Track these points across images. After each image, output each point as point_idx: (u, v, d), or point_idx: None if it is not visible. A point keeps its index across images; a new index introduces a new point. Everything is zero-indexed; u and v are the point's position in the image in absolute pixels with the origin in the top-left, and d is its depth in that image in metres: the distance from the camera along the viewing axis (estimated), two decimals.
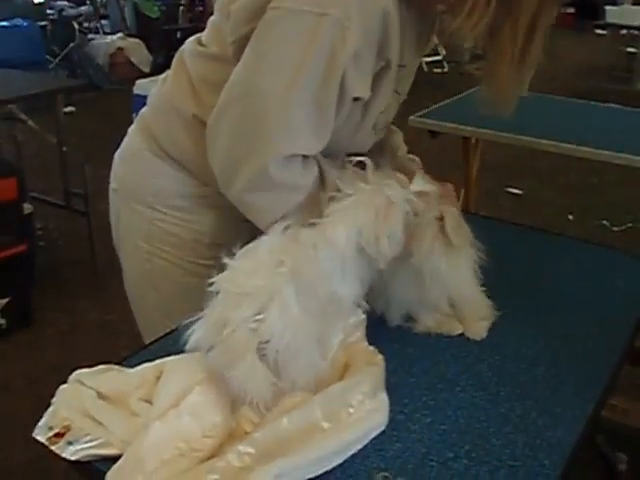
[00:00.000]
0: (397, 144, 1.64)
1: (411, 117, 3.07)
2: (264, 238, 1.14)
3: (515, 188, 5.26)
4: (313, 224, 1.16)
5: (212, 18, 1.40)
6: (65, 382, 1.15)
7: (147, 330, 1.55)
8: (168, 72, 1.49)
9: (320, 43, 1.14)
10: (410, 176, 1.40)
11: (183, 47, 1.46)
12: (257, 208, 1.26)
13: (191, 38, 1.45)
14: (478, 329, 1.37)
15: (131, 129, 1.53)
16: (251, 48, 1.21)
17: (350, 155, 1.43)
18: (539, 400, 1.20)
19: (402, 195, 1.20)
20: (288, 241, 1.12)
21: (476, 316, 1.38)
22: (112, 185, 1.55)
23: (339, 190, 1.19)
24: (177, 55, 1.46)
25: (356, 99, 1.25)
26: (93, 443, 1.03)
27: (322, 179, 1.29)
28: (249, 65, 1.20)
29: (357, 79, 1.20)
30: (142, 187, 1.47)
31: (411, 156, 1.64)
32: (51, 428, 1.07)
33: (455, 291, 1.34)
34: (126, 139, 1.54)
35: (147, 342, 1.47)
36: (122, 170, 1.53)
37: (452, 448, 1.08)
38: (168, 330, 1.33)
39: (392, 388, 1.16)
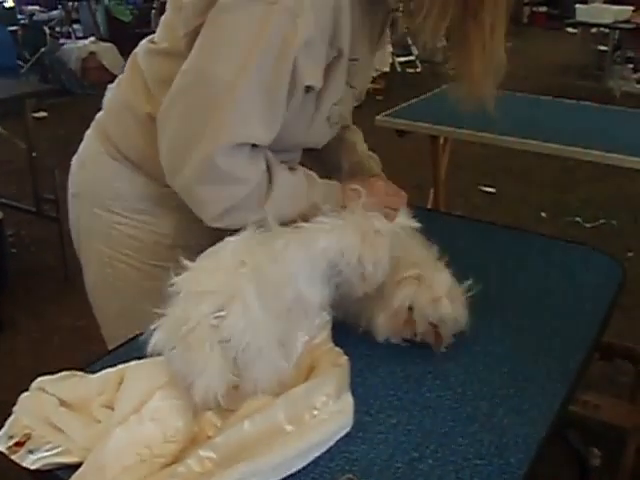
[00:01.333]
0: (355, 140, 1.64)
1: (378, 117, 3.05)
2: (229, 239, 1.13)
3: (488, 186, 5.28)
4: (293, 227, 1.17)
5: (164, 16, 1.39)
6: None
7: (110, 334, 1.55)
8: (122, 75, 1.48)
9: (271, 31, 1.14)
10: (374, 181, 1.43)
11: (136, 49, 1.45)
12: (201, 200, 1.24)
13: (144, 39, 1.44)
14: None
15: (87, 133, 1.52)
16: (202, 37, 1.20)
17: (306, 149, 1.43)
18: (505, 398, 1.20)
19: (389, 228, 1.21)
20: (256, 243, 1.12)
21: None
22: (71, 190, 1.54)
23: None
24: (130, 57, 1.45)
25: (308, 88, 1.24)
26: (54, 451, 1.02)
27: (270, 176, 1.28)
28: (200, 53, 1.20)
29: (309, 67, 1.20)
30: (101, 191, 1.46)
31: (371, 153, 1.64)
32: (11, 437, 1.05)
33: None
34: (83, 143, 1.52)
35: (110, 347, 1.48)
36: (80, 174, 1.52)
37: (418, 448, 1.08)
38: (130, 334, 1.31)
39: (358, 389, 1.15)
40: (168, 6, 1.37)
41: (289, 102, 1.22)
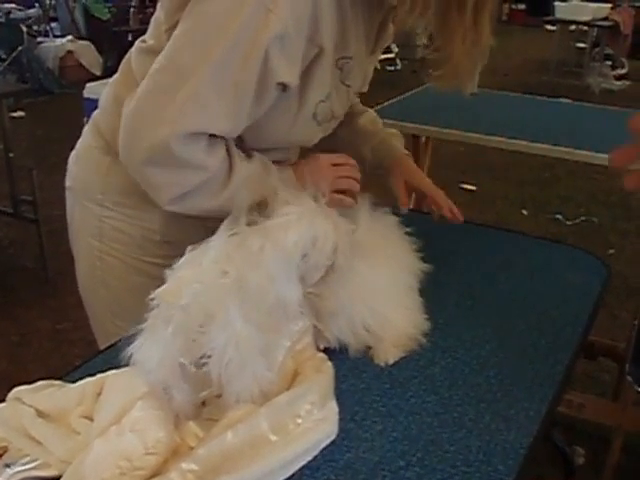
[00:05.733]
0: (368, 123, 1.66)
1: None
2: (210, 245, 1.10)
3: (469, 184, 5.28)
4: (261, 226, 1.14)
5: (155, 15, 1.39)
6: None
7: (98, 329, 1.57)
8: (117, 74, 1.50)
9: (241, 22, 1.13)
10: None
11: (132, 48, 1.47)
12: (155, 183, 1.25)
13: (140, 39, 1.45)
14: (385, 354, 1.29)
15: (85, 129, 1.55)
16: (178, 27, 1.21)
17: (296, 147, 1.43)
18: (492, 403, 1.18)
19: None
20: (234, 249, 1.09)
21: (391, 341, 1.30)
22: (67, 183, 1.56)
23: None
24: (127, 55, 1.47)
25: (284, 87, 1.23)
26: (31, 465, 0.99)
27: (229, 165, 1.27)
28: (172, 42, 1.21)
29: (283, 63, 1.18)
30: (92, 184, 1.48)
31: (392, 131, 1.66)
32: None
33: (376, 310, 1.28)
34: (80, 139, 1.55)
35: (100, 342, 1.54)
36: (75, 168, 1.54)
37: (404, 456, 1.06)
38: (119, 330, 1.33)
39: (342, 395, 1.13)
40: (158, 4, 1.38)
41: (262, 98, 1.21)
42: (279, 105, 1.27)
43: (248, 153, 1.34)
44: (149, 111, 1.20)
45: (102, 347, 1.51)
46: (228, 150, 1.28)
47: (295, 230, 1.12)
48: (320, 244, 1.13)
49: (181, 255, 1.08)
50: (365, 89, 1.64)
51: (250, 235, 1.11)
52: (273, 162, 1.40)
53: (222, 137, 1.25)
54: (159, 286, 1.04)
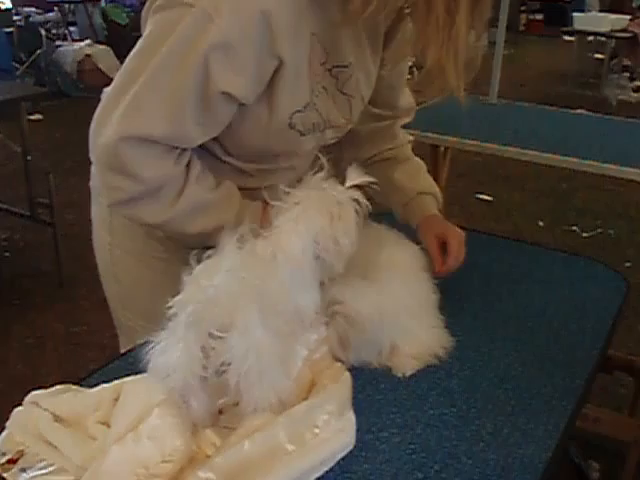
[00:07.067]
0: (404, 178, 1.66)
1: None
2: (224, 253, 1.09)
3: (485, 194, 5.26)
4: (266, 236, 1.14)
5: None
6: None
7: (117, 321, 1.62)
8: None
9: (180, 30, 1.16)
10: None
11: None
12: (105, 183, 1.30)
13: None
14: (404, 365, 1.28)
15: None
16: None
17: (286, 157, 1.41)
18: (510, 416, 1.17)
19: (348, 194, 1.17)
20: (247, 257, 1.08)
21: (409, 352, 1.29)
22: (90, 182, 1.60)
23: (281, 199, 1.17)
24: None
25: (229, 95, 1.21)
26: (48, 470, 0.99)
27: (182, 186, 1.28)
28: (133, 50, 1.25)
29: (226, 73, 1.18)
30: None
31: (431, 188, 1.67)
32: (4, 454, 1.02)
33: (405, 329, 1.29)
34: None
35: (119, 334, 1.63)
36: (94, 167, 1.56)
37: (422, 468, 1.05)
38: (133, 323, 1.44)
39: (360, 405, 1.12)
40: None
41: (208, 106, 1.21)
42: (248, 115, 1.28)
43: (219, 180, 1.34)
44: (105, 111, 1.23)
45: (121, 339, 1.60)
46: (188, 171, 1.29)
47: (296, 236, 1.12)
48: (323, 242, 1.13)
49: (185, 251, 1.08)
50: (403, 106, 1.63)
51: (259, 244, 1.11)
52: (276, 169, 1.41)
53: (181, 153, 1.27)
54: (166, 281, 1.05)
